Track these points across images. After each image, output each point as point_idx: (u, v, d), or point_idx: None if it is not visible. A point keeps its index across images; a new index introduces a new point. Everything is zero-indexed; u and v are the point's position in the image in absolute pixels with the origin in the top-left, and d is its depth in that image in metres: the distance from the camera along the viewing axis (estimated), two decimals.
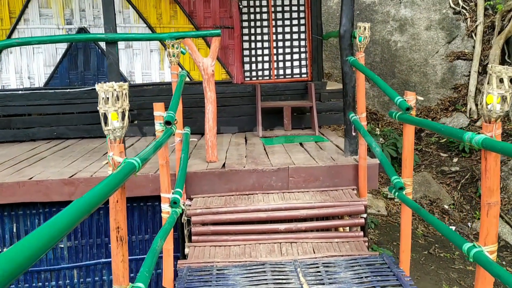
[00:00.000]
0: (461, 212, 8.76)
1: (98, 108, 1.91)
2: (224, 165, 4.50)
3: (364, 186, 4.26)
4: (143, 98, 6.19)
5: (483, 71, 10.73)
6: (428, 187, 9.40)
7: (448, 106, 10.88)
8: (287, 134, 5.95)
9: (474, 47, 10.94)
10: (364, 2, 12.21)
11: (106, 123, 1.90)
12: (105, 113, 1.89)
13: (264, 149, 5.21)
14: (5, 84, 6.07)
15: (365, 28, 4.12)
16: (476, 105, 10.02)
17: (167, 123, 3.00)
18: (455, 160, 9.92)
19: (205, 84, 4.40)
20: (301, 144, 5.44)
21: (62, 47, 6.02)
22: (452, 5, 11.56)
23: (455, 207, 8.98)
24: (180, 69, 4.23)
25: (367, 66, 11.08)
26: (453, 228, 8.05)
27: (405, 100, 3.13)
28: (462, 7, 11.56)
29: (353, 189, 4.31)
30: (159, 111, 3.05)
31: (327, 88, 6.46)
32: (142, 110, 6.18)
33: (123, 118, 1.94)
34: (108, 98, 1.88)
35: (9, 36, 5.87)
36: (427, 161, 10.18)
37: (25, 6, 5.87)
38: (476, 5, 11.37)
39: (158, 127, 3.05)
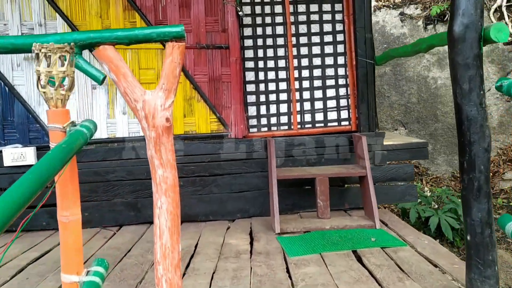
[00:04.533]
0: None
1: None
2: None
3: None
4: (79, 166, 3.66)
5: None
6: (509, 272, 6.59)
7: None
8: (325, 226, 3.36)
9: None
10: (392, 34, 9.90)
11: None
12: None
13: (287, 269, 2.63)
14: None
15: None
16: None
17: None
18: None
19: (151, 151, 1.89)
20: (355, 252, 2.87)
21: None
22: None
23: None
24: (72, 118, 1.75)
25: (401, 107, 8.55)
26: None
27: None
28: None
29: None
30: None
31: (384, 143, 3.93)
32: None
33: None
34: None
35: None
36: (499, 233, 7.38)
37: None
38: None
39: None
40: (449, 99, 9.21)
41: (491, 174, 8.07)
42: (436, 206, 6.73)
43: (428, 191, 7.85)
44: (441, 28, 9.52)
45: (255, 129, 4.01)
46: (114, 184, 3.72)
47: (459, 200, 6.92)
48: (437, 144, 8.46)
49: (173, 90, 1.89)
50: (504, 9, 8.43)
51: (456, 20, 2.03)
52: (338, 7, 4.06)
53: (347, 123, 4.08)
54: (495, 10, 8.37)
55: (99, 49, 1.82)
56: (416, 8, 9.47)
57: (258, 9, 3.99)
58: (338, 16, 4.06)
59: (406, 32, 9.81)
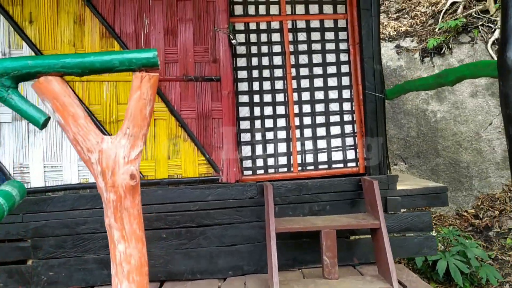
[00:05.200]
0: None
1: None
2: None
3: None
4: (44, 216, 3.16)
5: None
6: None
7: None
8: None
9: None
10: (389, 67, 9.63)
11: None
12: None
13: None
14: None
15: None
16: None
17: None
18: None
19: (109, 219, 1.38)
20: None
21: None
22: None
23: None
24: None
25: (400, 141, 8.11)
26: None
27: None
28: None
29: None
30: None
31: (398, 189, 3.45)
32: (41, 240, 3.14)
33: None
34: None
35: None
36: None
37: None
38: None
39: None
40: (450, 133, 8.80)
41: (497, 212, 7.60)
42: (443, 248, 6.20)
43: (434, 231, 7.31)
44: (438, 61, 9.21)
45: (249, 172, 3.52)
46: (84, 238, 3.18)
47: (467, 241, 6.43)
48: (439, 180, 8.01)
49: (142, 136, 1.40)
50: None
51: (509, 48, 1.58)
52: (342, 35, 3.65)
53: (354, 164, 3.60)
54: (493, 43, 8.04)
55: (40, 81, 1.34)
56: (412, 41, 9.16)
57: (253, 37, 3.57)
58: (343, 45, 3.64)
59: (403, 64, 9.51)
